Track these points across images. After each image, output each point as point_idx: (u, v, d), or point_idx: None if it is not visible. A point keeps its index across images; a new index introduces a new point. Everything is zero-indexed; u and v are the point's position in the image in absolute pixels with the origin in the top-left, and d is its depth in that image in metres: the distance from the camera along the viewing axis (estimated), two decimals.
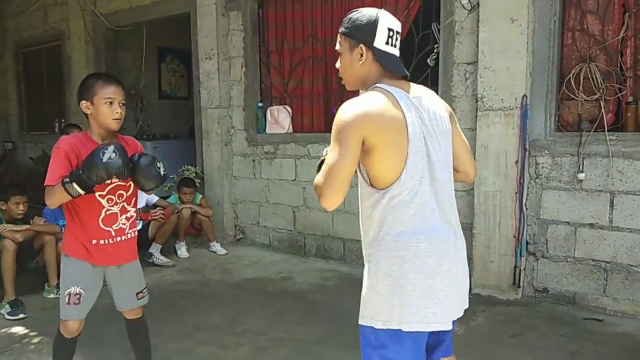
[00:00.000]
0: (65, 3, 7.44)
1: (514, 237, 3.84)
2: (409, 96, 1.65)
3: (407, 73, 1.73)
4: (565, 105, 3.83)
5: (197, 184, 5.64)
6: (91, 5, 7.02)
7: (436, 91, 4.28)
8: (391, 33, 1.66)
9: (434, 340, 1.73)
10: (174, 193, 5.60)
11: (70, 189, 2.10)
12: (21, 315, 3.71)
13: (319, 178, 1.60)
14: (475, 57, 3.97)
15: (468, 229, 4.13)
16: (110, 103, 2.25)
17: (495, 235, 3.92)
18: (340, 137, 1.56)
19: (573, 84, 3.70)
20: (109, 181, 2.22)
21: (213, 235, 5.51)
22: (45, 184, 2.18)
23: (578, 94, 3.69)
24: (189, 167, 5.97)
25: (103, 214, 2.30)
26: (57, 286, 4.09)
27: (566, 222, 3.77)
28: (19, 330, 3.53)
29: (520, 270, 3.84)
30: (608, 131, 3.56)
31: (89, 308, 2.38)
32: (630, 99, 3.61)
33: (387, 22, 1.66)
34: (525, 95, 3.74)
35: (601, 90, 3.61)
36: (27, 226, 4.01)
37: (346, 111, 1.58)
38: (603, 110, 3.59)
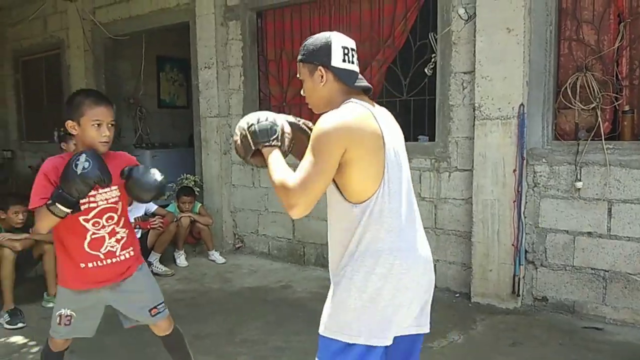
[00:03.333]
0: (64, 12, 7.46)
1: (513, 245, 3.85)
2: (377, 112, 1.69)
3: (370, 85, 1.77)
4: (562, 114, 3.86)
5: (196, 193, 5.64)
6: (90, 14, 7.05)
7: (434, 100, 4.33)
8: (346, 50, 1.71)
9: (407, 347, 1.75)
10: (173, 202, 5.60)
11: (55, 210, 1.99)
12: (20, 325, 3.70)
13: (290, 185, 1.55)
14: (472, 66, 4.00)
15: (467, 237, 4.15)
16: (99, 125, 2.11)
17: (494, 243, 3.93)
18: (319, 149, 1.56)
19: (570, 93, 3.72)
20: (93, 200, 2.14)
21: (212, 244, 5.50)
22: (30, 207, 2.10)
23: (575, 103, 3.71)
24: (188, 175, 5.98)
25: (89, 238, 2.19)
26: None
27: (565, 230, 3.79)
28: (18, 339, 3.52)
29: (519, 278, 3.85)
30: (605, 140, 3.59)
31: (83, 331, 2.34)
32: (627, 107, 3.64)
33: (341, 41, 1.71)
34: (522, 104, 3.76)
35: (598, 100, 3.63)
36: (26, 235, 4.01)
37: (327, 122, 1.58)
38: (600, 119, 3.62)
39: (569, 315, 3.78)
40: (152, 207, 5.14)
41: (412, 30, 4.53)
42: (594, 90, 3.64)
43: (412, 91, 4.58)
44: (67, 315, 2.26)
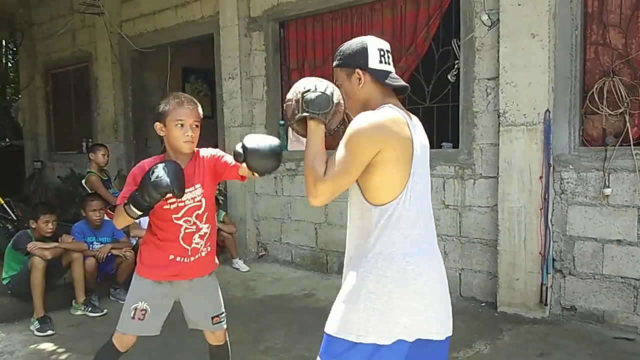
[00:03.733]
0: (92, 26, 7.67)
1: (540, 253, 3.78)
2: (409, 119, 1.71)
3: (407, 84, 1.79)
4: (590, 120, 3.79)
5: (220, 201, 5.70)
6: (117, 27, 7.23)
7: (457, 107, 4.29)
8: (382, 52, 1.74)
9: (430, 354, 1.73)
10: None
11: (129, 211, 2.08)
12: (49, 332, 3.77)
13: (321, 175, 1.59)
14: (497, 72, 3.96)
15: (492, 245, 4.09)
16: (182, 125, 2.20)
17: (520, 252, 3.87)
18: (354, 147, 1.58)
19: (597, 98, 3.66)
20: (173, 202, 2.20)
21: (236, 252, 5.54)
22: (117, 202, 2.23)
23: (602, 108, 3.65)
24: None
25: (182, 232, 2.28)
26: (85, 303, 4.17)
27: (593, 238, 3.71)
28: (48, 346, 3.59)
29: (546, 287, 3.78)
30: (634, 145, 3.51)
31: (152, 328, 2.35)
32: None
33: (377, 44, 1.75)
34: (548, 110, 3.71)
35: (626, 104, 3.56)
36: (56, 244, 4.10)
37: (364, 121, 1.60)
38: (628, 124, 3.55)
39: (598, 325, 3.69)
40: None
41: (435, 37, 4.52)
42: (621, 94, 3.57)
43: (434, 98, 4.56)
44: (142, 309, 2.28)
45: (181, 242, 2.28)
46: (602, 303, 3.69)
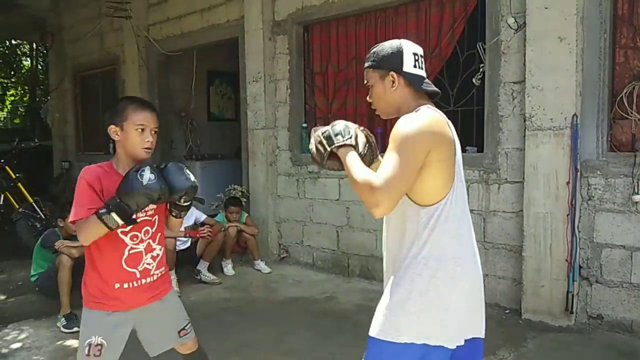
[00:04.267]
0: (120, 29, 7.81)
1: (566, 260, 3.71)
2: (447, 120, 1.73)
3: (439, 90, 1.80)
4: (618, 125, 3.71)
5: (243, 203, 5.74)
6: (144, 31, 7.35)
7: (482, 111, 4.25)
8: (416, 57, 1.75)
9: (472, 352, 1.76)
10: (221, 212, 5.72)
11: (108, 220, 1.87)
12: (76, 329, 3.82)
13: (376, 183, 1.53)
14: (523, 76, 3.91)
15: (517, 251, 4.04)
16: (142, 130, 2.02)
17: (546, 258, 3.80)
18: (404, 150, 1.56)
19: (626, 103, 3.59)
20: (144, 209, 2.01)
21: (258, 254, 5.57)
22: (73, 218, 1.96)
23: (631, 112, 3.57)
24: (236, 186, 6.10)
25: (126, 253, 2.05)
26: None
27: (621, 245, 3.63)
28: (74, 342, 3.65)
29: (572, 295, 3.70)
30: None
31: None
32: None
33: (412, 48, 1.76)
34: (575, 115, 3.65)
35: None
36: None
37: (411, 124, 1.60)
38: None
39: (626, 335, 3.60)
40: (202, 216, 5.28)
41: (460, 41, 4.49)
42: None
43: (459, 102, 4.53)
44: (97, 344, 2.04)
45: (124, 265, 2.05)
46: (631, 312, 3.61)
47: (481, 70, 4.27)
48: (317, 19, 5.43)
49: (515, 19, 3.97)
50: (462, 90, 4.50)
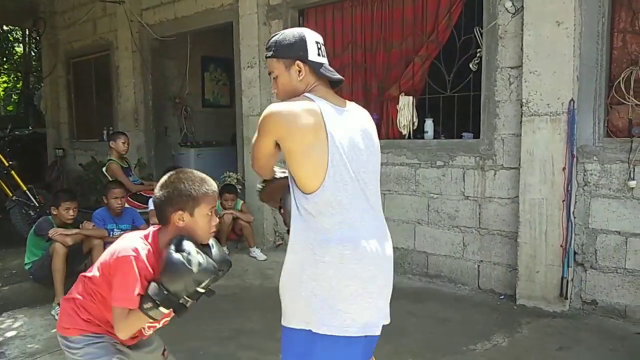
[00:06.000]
0: (113, 14, 7.72)
1: (561, 246, 3.72)
2: (336, 107, 1.72)
3: (342, 77, 1.84)
4: (615, 110, 3.69)
5: (238, 190, 5.72)
6: (138, 16, 7.26)
7: (479, 96, 4.22)
8: (319, 45, 1.79)
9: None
10: None
11: (155, 314, 1.68)
12: None
13: (251, 163, 1.87)
14: (520, 61, 3.88)
15: (512, 237, 4.03)
16: (210, 214, 1.81)
17: (541, 244, 3.80)
18: (258, 132, 1.72)
19: (623, 88, 3.56)
20: None
21: (253, 241, 5.56)
22: (123, 304, 1.69)
23: (628, 98, 3.55)
24: (231, 173, 6.07)
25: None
26: None
27: (616, 231, 3.63)
28: None
29: (567, 281, 3.71)
30: None
31: None
32: None
33: (314, 37, 1.78)
34: (572, 100, 3.62)
35: None
36: (77, 230, 4.15)
37: (267, 111, 1.68)
38: None
39: (620, 320, 3.61)
40: None
41: (457, 25, 4.44)
42: None
43: (456, 87, 4.49)
44: None
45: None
46: (625, 298, 3.62)
47: (478, 55, 4.23)
48: (312, 3, 5.36)
49: (512, 3, 3.93)
50: (458, 76, 4.46)
